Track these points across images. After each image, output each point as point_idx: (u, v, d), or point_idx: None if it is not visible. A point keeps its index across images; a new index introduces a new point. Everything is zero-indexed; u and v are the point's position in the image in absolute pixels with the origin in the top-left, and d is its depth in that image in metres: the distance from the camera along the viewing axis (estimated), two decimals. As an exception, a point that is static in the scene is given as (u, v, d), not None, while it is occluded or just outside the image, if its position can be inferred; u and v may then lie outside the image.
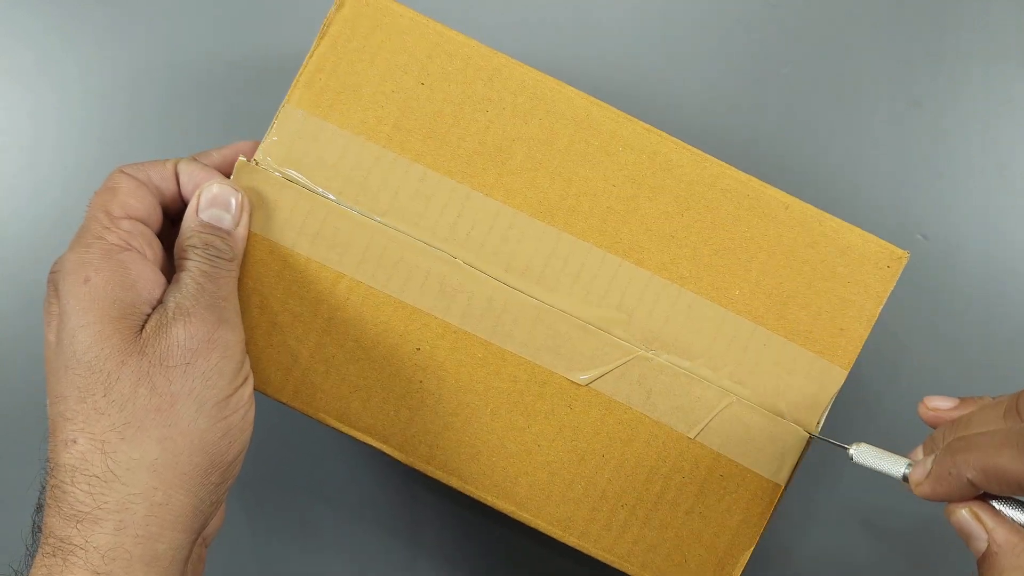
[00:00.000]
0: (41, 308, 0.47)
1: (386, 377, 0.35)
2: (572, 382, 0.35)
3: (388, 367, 0.35)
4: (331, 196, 0.35)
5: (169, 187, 0.35)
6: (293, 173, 0.35)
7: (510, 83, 0.35)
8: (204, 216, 0.34)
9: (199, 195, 0.34)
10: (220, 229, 0.34)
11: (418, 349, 0.35)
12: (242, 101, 0.47)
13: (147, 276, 0.33)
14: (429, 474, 0.36)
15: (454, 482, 0.36)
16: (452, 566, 0.47)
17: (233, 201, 0.34)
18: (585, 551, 0.36)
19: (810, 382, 0.35)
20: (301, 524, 0.47)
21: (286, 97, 0.35)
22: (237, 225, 0.34)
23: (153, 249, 0.34)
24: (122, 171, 0.35)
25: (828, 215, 0.35)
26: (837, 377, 0.35)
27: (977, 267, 0.47)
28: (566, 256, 0.35)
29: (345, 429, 0.36)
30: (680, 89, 0.48)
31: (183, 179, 0.36)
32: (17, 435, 0.46)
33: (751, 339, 0.35)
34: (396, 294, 0.35)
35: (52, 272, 0.33)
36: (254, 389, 0.35)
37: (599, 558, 0.36)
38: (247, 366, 0.34)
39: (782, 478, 0.35)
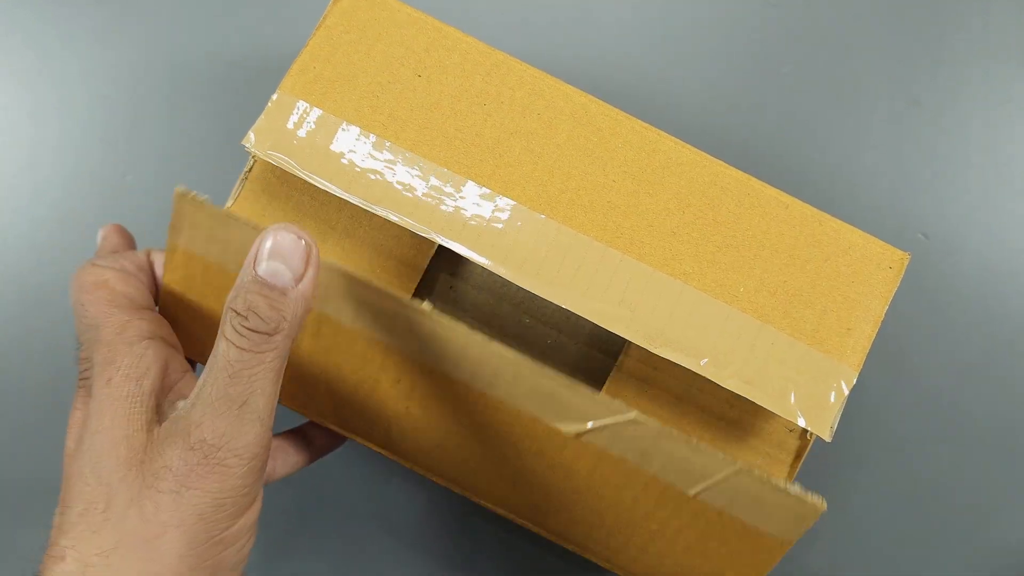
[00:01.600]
0: (42, 309, 0.47)
1: (373, 402, 0.34)
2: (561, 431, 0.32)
3: (373, 395, 0.34)
4: (323, 183, 0.34)
5: (149, 278, 0.33)
6: (283, 158, 0.34)
7: (508, 78, 0.35)
8: (261, 269, 0.27)
9: (259, 242, 0.27)
10: (274, 288, 0.27)
11: (398, 381, 0.33)
12: (242, 101, 0.47)
13: (169, 366, 0.30)
14: (427, 476, 0.35)
15: (452, 486, 0.35)
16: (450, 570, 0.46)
17: (298, 251, 0.27)
18: (581, 554, 0.35)
19: (819, 382, 0.33)
20: (303, 526, 0.47)
21: (280, 84, 0.35)
22: (299, 281, 0.27)
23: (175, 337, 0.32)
24: (96, 265, 0.32)
25: (828, 216, 0.35)
26: (847, 377, 0.34)
27: (977, 267, 0.47)
28: (566, 249, 0.34)
29: (344, 431, 0.36)
30: (680, 89, 0.48)
31: (159, 270, 0.33)
32: (17, 436, 0.46)
33: (758, 337, 0.34)
34: (368, 328, 0.32)
35: (82, 377, 0.30)
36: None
37: (598, 563, 0.35)
38: (258, 485, 0.29)
39: (792, 539, 0.31)
